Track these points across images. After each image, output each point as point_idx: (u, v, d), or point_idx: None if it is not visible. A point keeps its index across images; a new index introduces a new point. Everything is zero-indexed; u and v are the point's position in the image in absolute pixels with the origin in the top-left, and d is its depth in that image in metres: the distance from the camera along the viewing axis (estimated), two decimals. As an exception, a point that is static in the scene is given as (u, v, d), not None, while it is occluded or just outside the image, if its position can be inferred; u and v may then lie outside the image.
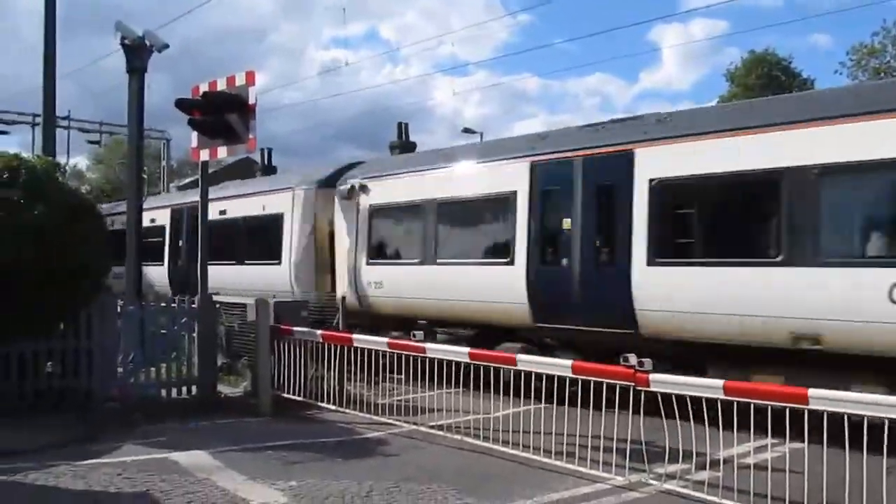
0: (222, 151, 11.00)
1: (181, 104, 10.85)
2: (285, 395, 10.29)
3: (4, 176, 9.16)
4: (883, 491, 5.65)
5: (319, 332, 10.43)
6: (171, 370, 10.66)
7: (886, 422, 5.62)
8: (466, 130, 38.71)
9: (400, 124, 33.65)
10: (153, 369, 10.53)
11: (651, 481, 6.82)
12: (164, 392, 10.54)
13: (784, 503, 5.92)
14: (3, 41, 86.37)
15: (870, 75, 44.00)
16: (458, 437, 8.41)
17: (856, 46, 44.25)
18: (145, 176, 30.03)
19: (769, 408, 6.42)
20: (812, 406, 5.91)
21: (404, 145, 33.27)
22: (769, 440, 6.78)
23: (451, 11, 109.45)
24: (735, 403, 6.40)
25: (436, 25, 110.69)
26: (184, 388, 10.69)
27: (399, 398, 9.67)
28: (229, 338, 11.60)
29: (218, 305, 11.38)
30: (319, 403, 10.11)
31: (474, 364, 8.49)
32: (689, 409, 6.55)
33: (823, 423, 6.00)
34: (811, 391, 5.93)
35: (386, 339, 9.75)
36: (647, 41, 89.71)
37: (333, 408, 9.95)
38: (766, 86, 53.45)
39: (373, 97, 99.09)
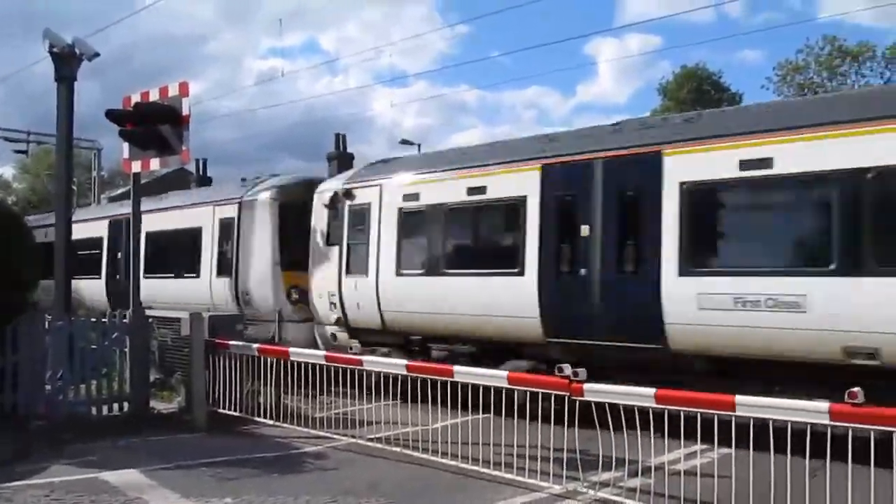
0: (155, 163, 10.82)
1: (112, 115, 10.64)
2: (221, 411, 10.14)
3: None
4: (806, 493, 5.85)
5: (256, 345, 10.31)
6: (102, 387, 10.39)
7: (808, 427, 5.83)
8: (404, 142, 38.79)
9: (337, 135, 33.55)
10: (83, 386, 10.25)
11: (586, 489, 6.92)
12: (94, 409, 10.27)
13: (713, 508, 6.08)
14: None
15: (795, 90, 45.63)
16: (397, 449, 8.41)
17: (781, 63, 45.86)
18: (75, 187, 29.26)
19: (699, 415, 6.58)
20: (739, 413, 6.09)
21: (342, 156, 33.21)
22: (698, 447, 6.94)
23: (391, 23, 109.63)
24: (666, 411, 6.54)
25: (375, 37, 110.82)
26: (115, 405, 10.43)
27: (337, 411, 9.62)
28: (163, 353, 11.38)
29: (151, 320, 11.15)
30: (256, 418, 9.99)
31: (412, 376, 8.50)
32: (623, 417, 6.68)
33: (750, 429, 6.16)
34: (738, 398, 6.11)
35: (323, 353, 9.71)
36: (584, 55, 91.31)
37: (270, 422, 9.84)
38: (697, 100, 54.92)
39: (311, 107, 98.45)
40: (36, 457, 8.25)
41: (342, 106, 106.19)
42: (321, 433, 9.33)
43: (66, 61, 11.15)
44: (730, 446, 6.39)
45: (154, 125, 10.35)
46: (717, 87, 56.07)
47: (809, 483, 5.90)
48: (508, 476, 7.30)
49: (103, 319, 10.75)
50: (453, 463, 7.77)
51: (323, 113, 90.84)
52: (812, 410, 5.81)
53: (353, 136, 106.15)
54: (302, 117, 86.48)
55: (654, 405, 6.48)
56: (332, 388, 9.83)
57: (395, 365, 8.91)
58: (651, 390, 6.63)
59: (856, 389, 5.53)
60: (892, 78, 42.23)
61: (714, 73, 55.87)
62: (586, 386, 6.86)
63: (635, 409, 6.61)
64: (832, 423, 5.63)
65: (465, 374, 8.04)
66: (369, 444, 8.75)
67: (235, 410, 10.05)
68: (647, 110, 67.92)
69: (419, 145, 37.33)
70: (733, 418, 6.20)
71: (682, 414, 6.43)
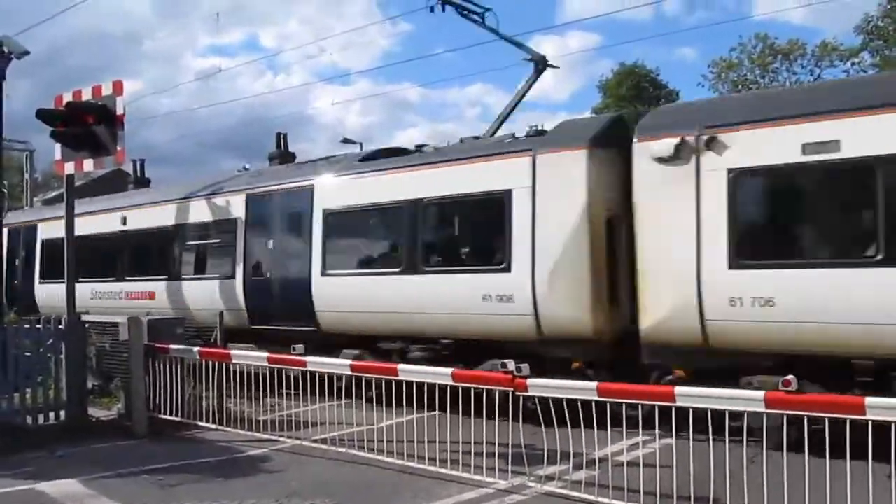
0: (88, 164, 10.55)
1: (43, 115, 10.34)
2: (162, 416, 9.94)
3: None
4: (744, 479, 6.00)
5: (196, 349, 10.13)
6: (38, 395, 10.10)
7: (746, 414, 5.98)
8: (346, 141, 38.60)
9: (279, 134, 33.17)
10: (17, 395, 9.94)
11: (532, 483, 6.99)
12: (29, 419, 9.96)
13: (656, 497, 6.18)
14: None
15: (729, 87, 46.70)
16: (342, 449, 8.36)
17: (716, 60, 46.90)
18: (5, 190, 28.37)
19: (640, 406, 6.70)
20: (679, 403, 6.21)
21: (283, 155, 32.87)
22: (640, 438, 7.07)
23: (332, 20, 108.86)
24: (608, 404, 6.64)
25: (316, 32, 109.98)
26: (52, 414, 10.14)
27: (282, 413, 9.53)
28: (101, 358, 11.11)
29: (87, 325, 10.88)
30: (198, 423, 9.83)
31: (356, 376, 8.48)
32: (566, 411, 6.75)
33: (689, 419, 6.30)
34: (678, 389, 6.24)
35: (266, 355, 9.60)
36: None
37: (213, 426, 9.69)
38: (636, 97, 55.88)
39: (252, 106, 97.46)
40: (-33, 470, 7.98)
41: (283, 104, 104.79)
42: (265, 436, 9.23)
43: (-6, 60, 10.82)
44: (670, 437, 6.53)
45: (87, 125, 10.10)
46: (654, 84, 57.16)
47: (747, 469, 6.07)
48: (454, 473, 7.34)
49: (37, 326, 10.46)
50: (399, 461, 7.76)
51: (263, 111, 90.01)
52: (748, 399, 5.98)
53: (294, 134, 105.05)
54: (242, 116, 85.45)
55: (597, 398, 6.56)
56: (277, 391, 9.74)
57: (339, 365, 8.87)
58: (593, 384, 6.73)
59: (790, 378, 5.69)
60: (821, 75, 43.59)
61: (651, 70, 56.91)
62: (529, 381, 6.92)
63: (578, 402, 6.69)
64: (767, 410, 5.78)
65: (410, 372, 8.04)
66: (314, 445, 8.69)
67: (177, 415, 9.86)
68: (588, 108, 68.88)
69: (361, 144, 37.21)
70: (673, 409, 6.32)
71: (623, 406, 6.54)
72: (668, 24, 67.97)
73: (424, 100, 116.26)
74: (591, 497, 6.48)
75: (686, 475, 6.22)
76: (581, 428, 6.69)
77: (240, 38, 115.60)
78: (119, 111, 10.05)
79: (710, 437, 6.22)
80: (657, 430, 6.76)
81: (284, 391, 9.22)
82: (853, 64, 41.67)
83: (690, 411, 6.25)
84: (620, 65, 56.81)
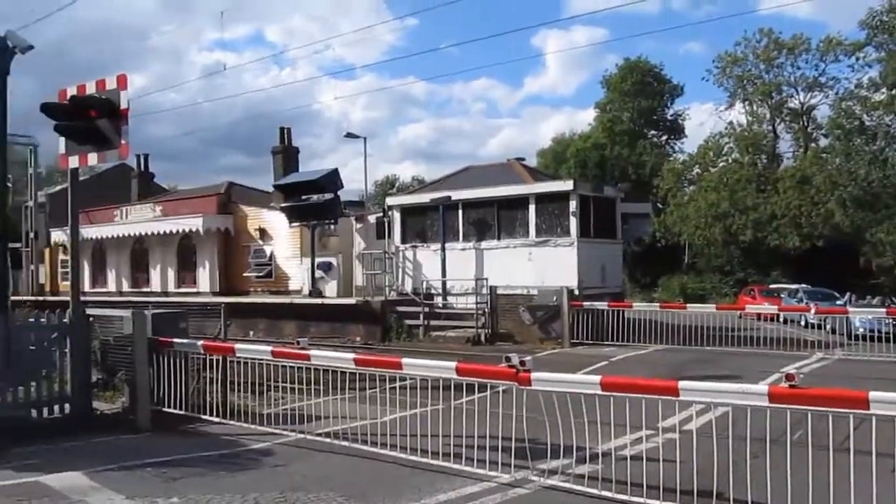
0: (92, 158, 10.56)
1: (47, 109, 10.34)
2: (166, 410, 9.96)
3: None
4: (747, 473, 6.01)
5: (200, 342, 10.16)
6: (42, 388, 10.13)
7: (748, 409, 5.98)
8: (349, 135, 38.59)
9: (282, 129, 33.31)
10: (21, 388, 9.97)
11: (535, 477, 7.00)
12: (34, 412, 9.99)
13: (659, 491, 6.19)
14: None
15: (734, 82, 46.62)
16: (345, 443, 8.37)
17: (721, 55, 46.80)
18: (10, 184, 28.39)
19: (644, 401, 6.70)
20: (683, 398, 6.21)
21: (286, 150, 32.90)
22: (644, 432, 7.07)
23: (338, 15, 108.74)
24: (612, 398, 6.64)
25: (323, 29, 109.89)
26: (56, 407, 10.16)
27: (285, 407, 9.54)
28: (105, 352, 11.12)
29: (91, 318, 10.90)
30: (202, 416, 9.85)
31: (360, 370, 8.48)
32: (569, 405, 6.76)
33: (693, 413, 6.31)
34: (681, 383, 6.24)
35: (270, 348, 9.62)
36: (531, 47, 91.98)
37: (217, 420, 9.71)
38: (640, 92, 55.84)
39: (257, 101, 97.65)
40: (-28, 462, 8.01)
41: (288, 99, 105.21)
42: (269, 429, 9.23)
43: (-2, 55, 10.80)
44: (675, 431, 6.54)
45: (91, 119, 10.10)
46: (658, 79, 57.08)
47: (751, 464, 6.07)
48: (457, 466, 7.34)
49: (41, 319, 10.48)
50: (402, 455, 7.77)
51: (268, 107, 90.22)
52: (752, 393, 5.97)
53: (299, 129, 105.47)
54: (246, 111, 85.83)
55: (600, 392, 6.57)
56: (280, 384, 9.76)
57: (343, 359, 8.88)
58: (597, 378, 6.74)
59: (793, 371, 5.69)
60: (826, 70, 43.50)
61: (655, 65, 56.84)
62: (534, 375, 6.93)
63: (582, 396, 6.70)
64: (771, 405, 5.78)
65: (414, 366, 8.04)
66: (318, 438, 8.70)
67: (181, 409, 9.89)
68: (592, 102, 68.64)
69: (365, 139, 37.19)
70: (676, 403, 6.32)
71: (627, 400, 6.54)
72: (675, 18, 67.93)
73: (429, 95, 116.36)
74: (595, 491, 6.49)
75: (689, 470, 6.22)
76: (584, 421, 6.71)
77: (245, 33, 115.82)
78: (123, 105, 10.05)
79: (714, 432, 6.21)
80: (660, 424, 6.78)
81: (288, 385, 9.25)
82: (857, 59, 41.58)
83: (693, 405, 6.26)
84: (625, 60, 56.77)
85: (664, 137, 59.10)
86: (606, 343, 19.51)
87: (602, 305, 20.49)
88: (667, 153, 56.66)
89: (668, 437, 6.91)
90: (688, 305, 23.22)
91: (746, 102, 46.64)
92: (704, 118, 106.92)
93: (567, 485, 6.75)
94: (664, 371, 13.82)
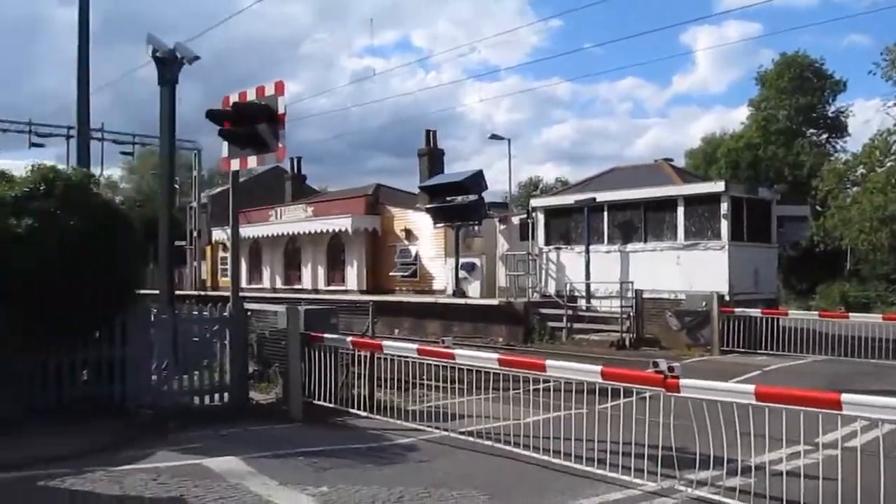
0: (252, 161, 11.16)
1: (212, 115, 11.03)
2: (316, 402, 10.35)
3: (41, 188, 9.36)
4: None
5: (349, 338, 10.50)
6: (204, 378, 10.79)
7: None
8: (493, 137, 38.80)
9: (428, 131, 33.87)
10: (186, 377, 10.65)
11: (682, 487, 6.76)
12: (196, 399, 10.66)
13: (818, 510, 5.84)
14: (44, 57, 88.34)
15: (904, 76, 43.27)
16: (488, 442, 8.40)
17: (889, 47, 43.51)
18: (177, 186, 30.43)
19: (802, 414, 6.33)
20: (846, 412, 5.82)
21: (432, 152, 33.45)
22: (802, 447, 6.68)
23: (483, 18, 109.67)
24: (767, 409, 6.32)
25: (467, 33, 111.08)
26: (216, 396, 10.80)
27: (429, 404, 9.70)
28: (260, 345, 11.70)
29: (249, 313, 11.49)
30: (350, 410, 10.16)
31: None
32: (720, 415, 6.49)
33: (857, 429, 5.91)
34: (844, 396, 5.84)
35: (415, 346, 9.79)
36: (680, 44, 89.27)
37: (364, 414, 9.99)
38: (798, 88, 52.94)
39: (403, 105, 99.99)
40: (142, 444, 8.62)
41: (434, 103, 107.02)
42: (413, 425, 9.40)
43: (168, 65, 11.59)
44: (836, 448, 6.14)
45: (251, 124, 10.66)
46: (818, 74, 53.91)
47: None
48: (601, 472, 7.21)
49: (205, 313, 11.14)
50: (545, 458, 7.71)
51: (414, 110, 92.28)
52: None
53: (444, 132, 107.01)
54: (394, 115, 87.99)
55: (755, 402, 6.27)
56: (425, 382, 9.92)
57: (487, 359, 8.92)
58: (751, 387, 6.43)
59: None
60: None
61: (815, 60, 53.71)
62: (682, 382, 6.70)
63: (734, 405, 6.42)
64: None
65: (558, 368, 7.96)
66: (461, 436, 8.78)
67: (330, 402, 10.24)
68: (745, 100, 65.87)
69: (509, 140, 37.28)
70: (839, 417, 5.94)
71: (783, 412, 6.20)
72: (835, 9, 64.01)
73: (573, 95, 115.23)
74: (747, 505, 6.19)
75: (852, 489, 5.82)
76: (736, 433, 6.42)
77: (393, 39, 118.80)
78: (280, 110, 10.55)
79: (882, 450, 5.77)
80: (820, 440, 6.40)
81: (433, 383, 9.38)
82: None
83: (858, 421, 5.86)
84: (781, 55, 53.99)
85: (824, 136, 55.72)
86: (759, 352, 18.59)
87: (755, 312, 19.56)
88: (827, 153, 53.36)
89: (829, 453, 6.51)
90: (850, 315, 21.78)
91: (919, 97, 43.23)
92: (870, 115, 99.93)
93: (717, 497, 6.48)
94: (824, 383, 13.03)
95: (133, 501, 6.59)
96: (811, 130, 55.21)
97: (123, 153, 38.77)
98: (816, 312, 22.95)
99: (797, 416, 6.22)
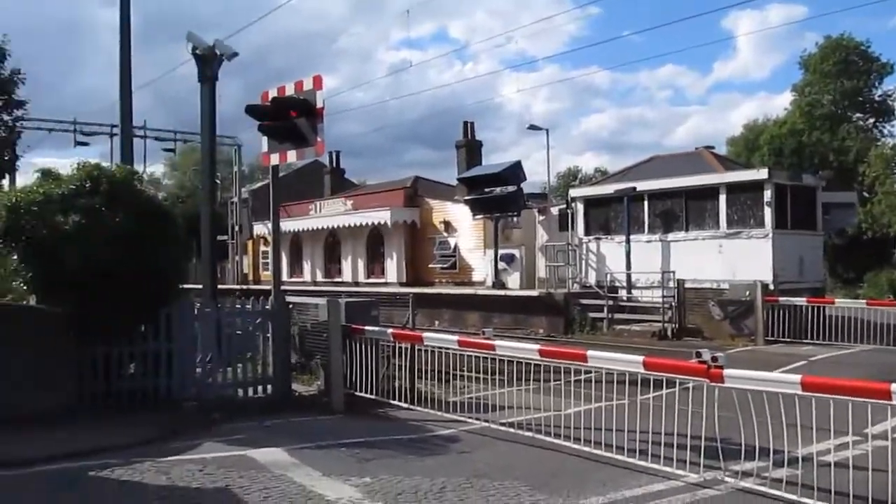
0: (291, 155, 11.26)
1: (251, 111, 11.12)
2: (357, 394, 10.42)
3: (87, 185, 9.55)
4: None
5: (390, 330, 10.55)
6: (247, 370, 10.93)
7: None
8: (532, 127, 38.61)
9: (465, 123, 33.80)
10: (229, 369, 10.80)
11: (727, 479, 6.69)
12: (240, 391, 10.81)
13: (867, 501, 5.73)
14: (87, 58, 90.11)
15: (954, 57, 42.05)
16: (529, 433, 8.39)
17: (939, 27, 42.26)
18: (218, 181, 30.82)
19: (850, 404, 6.21)
20: None
21: (470, 144, 33.41)
22: (850, 437, 6.56)
23: (520, 8, 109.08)
24: (813, 399, 6.21)
25: (504, 23, 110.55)
26: (259, 388, 10.94)
27: (469, 396, 9.71)
28: (302, 337, 11.82)
29: (291, 306, 11.61)
30: (391, 401, 10.21)
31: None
32: (766, 405, 6.40)
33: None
34: (894, 386, 5.70)
35: (456, 338, 9.81)
36: (721, 29, 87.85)
37: (405, 405, 10.03)
38: (843, 72, 51.78)
39: (440, 97, 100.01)
40: (188, 435, 8.77)
41: (471, 94, 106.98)
42: (454, 417, 9.41)
43: (208, 62, 11.72)
44: (885, 439, 6.02)
45: (290, 119, 10.74)
46: (864, 57, 52.65)
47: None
48: (643, 463, 7.14)
49: (247, 306, 11.28)
50: (587, 449, 7.68)
51: (452, 102, 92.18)
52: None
53: (482, 123, 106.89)
54: (431, 107, 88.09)
55: (801, 392, 6.17)
56: (466, 373, 9.93)
57: (527, 350, 8.90)
58: (797, 377, 6.33)
59: None
60: None
61: (861, 42, 52.46)
62: (726, 372, 6.62)
63: (780, 396, 6.33)
64: None
65: (600, 358, 7.91)
66: (502, 428, 8.78)
67: (371, 394, 10.30)
68: (788, 85, 64.53)
69: (547, 130, 37.06)
70: (889, 408, 5.82)
71: (831, 402, 6.09)
72: (881, -10, 62.34)
73: (613, 84, 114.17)
74: (794, 497, 6.09)
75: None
76: (782, 423, 6.33)
77: (430, 31, 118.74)
78: (319, 105, 10.62)
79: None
80: (869, 430, 6.28)
81: (473, 374, 9.39)
82: None
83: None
84: (825, 38, 52.86)
85: (871, 120, 54.44)
86: (805, 341, 18.29)
87: (800, 301, 19.23)
88: (874, 137, 52.15)
89: (878, 444, 6.37)
90: (900, 303, 21.28)
91: (969, 79, 42.02)
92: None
93: (763, 488, 6.39)
94: (873, 373, 12.77)
95: (181, 492, 6.70)
96: (857, 115, 53.97)
97: (165, 150, 39.31)
98: (864, 301, 22.47)
99: (845, 407, 6.11)
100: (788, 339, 18.62)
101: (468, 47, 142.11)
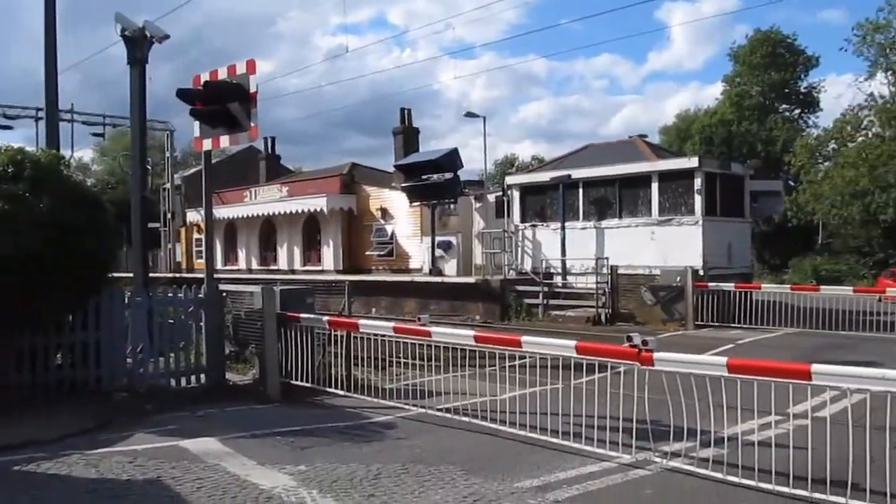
0: (224, 140, 11.06)
1: (183, 94, 10.89)
2: (293, 382, 10.34)
3: (9, 170, 9.21)
4: (886, 464, 5.68)
5: (326, 318, 10.49)
6: (180, 359, 10.75)
7: (889, 396, 5.64)
8: (470, 115, 38.69)
9: (402, 110, 33.69)
10: (161, 359, 10.61)
11: (657, 459, 6.86)
12: (172, 381, 10.63)
13: (788, 478, 5.96)
14: (11, 36, 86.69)
15: (876, 50, 43.64)
16: (465, 419, 8.46)
17: (861, 23, 43.83)
18: (149, 167, 30.10)
19: (773, 385, 6.43)
20: (815, 382, 5.91)
21: (407, 130, 33.32)
22: (773, 417, 6.80)
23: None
24: (739, 381, 6.41)
25: (443, 10, 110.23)
26: (192, 377, 10.78)
27: (406, 382, 9.74)
28: (236, 326, 11.67)
29: (224, 294, 11.44)
30: (327, 389, 10.17)
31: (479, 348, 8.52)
32: (694, 388, 6.58)
33: (827, 400, 6.01)
34: (815, 367, 5.93)
35: (392, 325, 9.81)
36: (655, 20, 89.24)
37: (342, 393, 10.00)
38: (771, 64, 53.24)
39: (378, 83, 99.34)
40: (119, 426, 8.58)
41: (409, 81, 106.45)
42: (391, 403, 9.44)
43: (138, 44, 11.44)
44: (806, 418, 6.25)
45: (223, 103, 10.55)
46: (791, 50, 54.26)
47: (890, 455, 5.74)
48: (576, 445, 7.28)
49: (179, 294, 11.08)
50: (522, 432, 7.78)
51: (389, 88, 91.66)
52: (893, 379, 5.62)
53: (420, 110, 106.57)
54: (369, 94, 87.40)
55: (727, 374, 6.36)
56: (402, 360, 9.94)
57: (463, 336, 8.96)
58: (723, 359, 6.53)
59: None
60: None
61: (788, 35, 54.04)
62: (656, 355, 6.77)
63: (707, 378, 6.51)
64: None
65: (533, 344, 8.01)
66: (438, 413, 8.83)
67: (307, 382, 10.23)
68: (720, 76, 65.94)
69: (484, 118, 37.20)
70: (809, 388, 6.04)
71: (755, 383, 6.30)
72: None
73: (550, 72, 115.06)
74: (720, 475, 6.30)
75: (821, 458, 5.93)
76: (709, 405, 6.52)
77: (368, 16, 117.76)
78: (252, 89, 10.45)
79: (850, 420, 5.89)
80: (791, 410, 6.51)
81: (410, 361, 9.41)
82: None
83: (827, 391, 5.96)
84: (755, 31, 54.29)
85: (797, 112, 56.23)
86: (733, 326, 18.86)
87: (728, 286, 19.80)
88: (800, 128, 53.87)
89: (799, 423, 6.61)
90: (822, 288, 22.08)
91: (889, 72, 43.63)
92: (842, 90, 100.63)
93: (691, 468, 6.59)
94: (796, 355, 13.23)
95: (110, 484, 6.56)
96: (784, 106, 55.69)
97: (94, 134, 38.30)
98: (789, 286, 23.30)
99: (769, 388, 6.32)
100: (717, 324, 19.17)
101: (407, 33, 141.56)
